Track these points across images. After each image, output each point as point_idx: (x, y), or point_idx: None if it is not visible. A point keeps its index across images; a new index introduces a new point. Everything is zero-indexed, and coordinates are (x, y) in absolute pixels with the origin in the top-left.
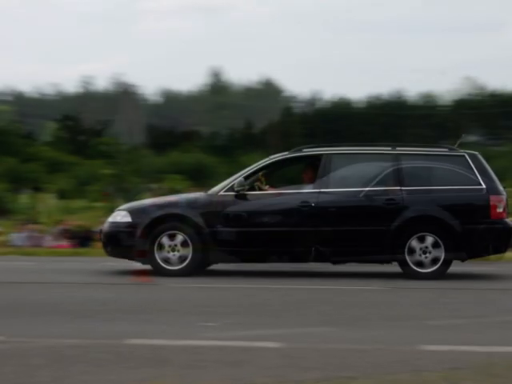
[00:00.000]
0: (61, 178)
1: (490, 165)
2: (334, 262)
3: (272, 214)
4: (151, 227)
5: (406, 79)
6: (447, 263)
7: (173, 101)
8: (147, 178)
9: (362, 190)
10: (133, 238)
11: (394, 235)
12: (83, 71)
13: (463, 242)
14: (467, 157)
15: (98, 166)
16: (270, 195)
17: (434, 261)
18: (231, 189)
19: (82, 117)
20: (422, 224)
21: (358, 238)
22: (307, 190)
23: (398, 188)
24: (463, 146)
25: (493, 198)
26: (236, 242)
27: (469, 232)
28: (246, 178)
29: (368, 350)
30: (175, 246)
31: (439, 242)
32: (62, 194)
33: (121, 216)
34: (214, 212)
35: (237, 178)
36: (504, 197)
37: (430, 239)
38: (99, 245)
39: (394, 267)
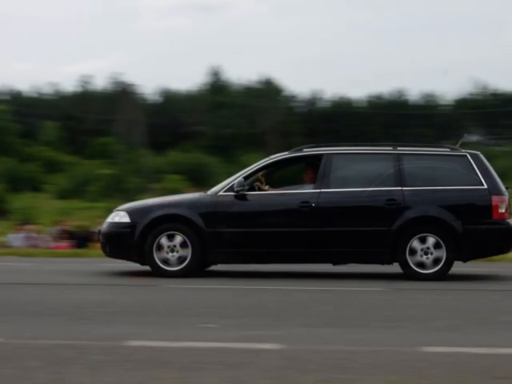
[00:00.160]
0: (59, 178)
1: (492, 165)
2: (335, 263)
3: (272, 215)
4: (150, 228)
5: (407, 78)
6: (449, 264)
7: (172, 100)
8: (146, 178)
9: (363, 190)
10: (131, 239)
11: (395, 236)
12: (81, 70)
13: (465, 242)
14: (469, 157)
15: (96, 166)
16: (270, 195)
17: (436, 261)
18: (231, 189)
19: (80, 116)
20: (424, 224)
21: (359, 238)
22: (307, 190)
23: (399, 188)
24: (465, 145)
25: (495, 199)
26: (235, 243)
27: (471, 232)
28: (246, 178)
29: (369, 352)
30: (174, 246)
31: (441, 242)
32: (61, 194)
33: (119, 216)
34: (213, 212)
35: (236, 178)
36: (506, 197)
37: (431, 240)
38: (98, 245)
39: (395, 268)
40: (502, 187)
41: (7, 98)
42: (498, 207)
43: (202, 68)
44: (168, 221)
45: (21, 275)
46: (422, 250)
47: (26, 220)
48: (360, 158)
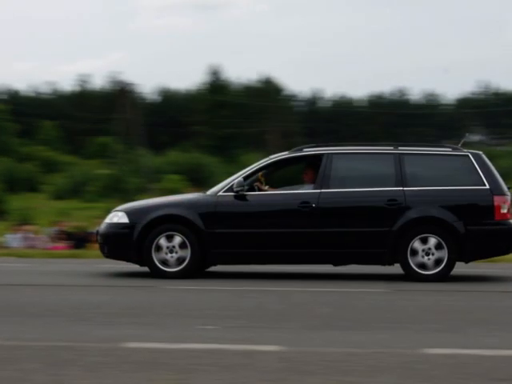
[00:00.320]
0: (57, 178)
1: (494, 164)
2: (335, 264)
3: (272, 215)
4: (149, 228)
5: (408, 78)
6: (450, 265)
7: (171, 99)
8: (145, 178)
9: (364, 191)
10: (130, 240)
11: (396, 236)
12: (80, 69)
13: (467, 243)
14: (471, 156)
15: (95, 166)
16: (269, 196)
17: (437, 262)
18: (230, 189)
19: (78, 116)
20: (425, 225)
21: (360, 239)
22: (308, 190)
23: (401, 188)
24: (467, 145)
25: (497, 199)
26: (235, 244)
27: (472, 233)
28: (246, 178)
29: (369, 354)
30: (173, 247)
31: (442, 243)
32: (59, 195)
33: (118, 217)
34: (212, 213)
35: (236, 178)
36: (508, 197)
37: (432, 240)
38: (96, 246)
39: (396, 269)
40: (504, 187)
41: (5, 97)
42: (500, 207)
43: (202, 67)
44: (167, 221)
45: (19, 276)
46: (423, 250)
47: (23, 220)
48: (361, 157)
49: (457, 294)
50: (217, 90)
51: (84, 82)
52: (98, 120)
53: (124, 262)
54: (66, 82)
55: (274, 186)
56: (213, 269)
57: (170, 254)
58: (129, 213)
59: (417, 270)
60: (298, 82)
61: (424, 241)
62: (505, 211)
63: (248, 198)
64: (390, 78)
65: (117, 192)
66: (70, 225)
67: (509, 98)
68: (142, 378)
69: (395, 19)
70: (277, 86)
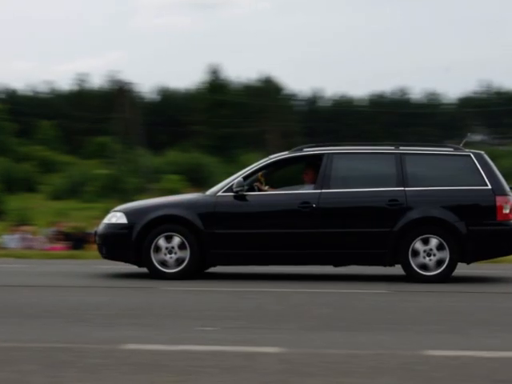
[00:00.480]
0: (55, 178)
1: (496, 164)
2: (336, 265)
3: (272, 216)
4: (148, 229)
5: (409, 77)
6: (452, 266)
7: (170, 99)
8: (144, 178)
9: (365, 191)
10: (129, 240)
11: (397, 237)
12: (78, 68)
13: (468, 244)
14: (473, 156)
15: (93, 166)
16: (269, 196)
17: (439, 263)
18: (230, 189)
19: (77, 115)
20: (426, 225)
21: (360, 239)
22: (308, 190)
23: (402, 189)
24: (468, 145)
25: (499, 199)
26: (235, 244)
27: (474, 234)
28: (245, 178)
29: (370, 355)
30: (172, 248)
31: (444, 244)
32: (57, 195)
33: (116, 217)
34: (212, 213)
35: (236, 179)
36: (510, 197)
37: (434, 241)
38: (94, 247)
39: (397, 270)
40: (507, 187)
41: (2, 96)
42: (502, 208)
43: (201, 66)
44: (166, 222)
45: (16, 277)
46: (424, 251)
47: (21, 221)
48: (361, 157)
49: (458, 295)
50: (216, 89)
51: (82, 81)
52: (97, 119)
53: (122, 263)
54: (65, 82)
55: (273, 186)
56: (212, 270)
57: (169, 255)
58: (127, 213)
59: (418, 270)
60: (298, 82)
61: (425, 241)
62: (507, 211)
63: (248, 198)
64: (390, 77)
65: (115, 192)
66: (68, 225)
67: (511, 98)
68: (141, 380)
69: (396, 18)
70: (277, 86)
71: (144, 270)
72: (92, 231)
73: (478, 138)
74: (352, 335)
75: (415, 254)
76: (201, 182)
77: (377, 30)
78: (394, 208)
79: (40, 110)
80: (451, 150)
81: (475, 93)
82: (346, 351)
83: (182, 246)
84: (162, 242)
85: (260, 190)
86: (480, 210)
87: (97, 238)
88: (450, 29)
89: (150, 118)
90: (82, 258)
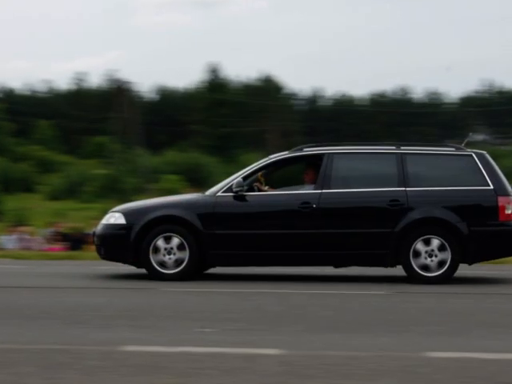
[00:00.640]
0: (53, 179)
1: (498, 164)
2: (336, 266)
3: (272, 216)
4: (146, 229)
5: (410, 76)
6: (454, 267)
7: (169, 98)
8: (143, 179)
9: (365, 191)
10: (127, 241)
11: (398, 237)
12: (76, 67)
13: (470, 244)
14: (474, 156)
15: (91, 166)
16: (269, 196)
17: (440, 264)
18: (229, 189)
19: (75, 115)
20: (428, 226)
21: (361, 240)
22: (308, 190)
23: (403, 189)
24: (470, 144)
25: (501, 199)
26: (234, 245)
27: (476, 234)
28: (245, 178)
29: (370, 357)
30: (171, 248)
31: (445, 244)
32: (55, 195)
33: (115, 218)
34: (211, 213)
35: (235, 179)
36: None
37: (435, 242)
38: (92, 248)
39: (399, 271)
40: (509, 187)
41: (0, 95)
42: (504, 208)
43: (200, 65)
44: (165, 222)
45: (14, 278)
46: (426, 252)
47: (18, 221)
48: (362, 157)
49: (460, 296)
50: (216, 88)
51: (81, 80)
52: (95, 119)
53: (121, 264)
54: (63, 81)
55: (273, 187)
56: (211, 271)
57: (167, 256)
58: (126, 214)
59: (419, 271)
60: (299, 81)
61: (427, 242)
62: (509, 212)
63: (247, 198)
64: (391, 76)
65: (114, 192)
66: (66, 226)
67: None
68: (140, 382)
69: (397, 17)
70: (277, 85)
71: (143, 270)
72: (90, 232)
73: (479, 137)
74: (352, 337)
75: (416, 254)
76: (200, 182)
77: (378, 28)
78: (395, 208)
79: (38, 109)
80: (453, 149)
81: (477, 92)
82: (346, 353)
83: (181, 247)
84: (160, 242)
85: (260, 191)
86: (482, 211)
87: (95, 239)
88: (452, 27)
89: (149, 117)
90: (80, 258)
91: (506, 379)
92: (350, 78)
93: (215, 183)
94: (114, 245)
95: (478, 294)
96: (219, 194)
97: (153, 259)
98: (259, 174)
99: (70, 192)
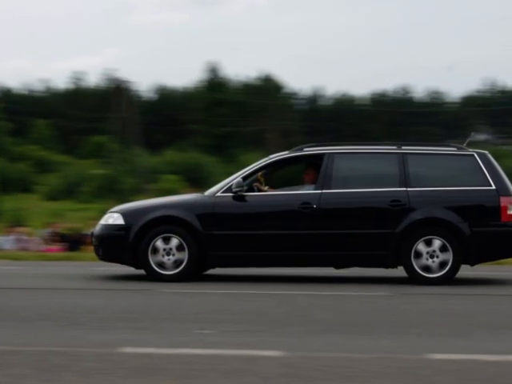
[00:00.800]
0: (51, 179)
1: (500, 164)
2: (337, 267)
3: (272, 216)
4: (145, 230)
5: (411, 75)
6: (455, 268)
7: (168, 97)
8: (142, 179)
9: (366, 191)
10: (126, 242)
11: (399, 238)
12: (74, 66)
13: (472, 245)
14: (476, 156)
15: (89, 166)
16: (269, 196)
17: (442, 265)
18: (229, 190)
19: (72, 114)
20: (429, 226)
21: (362, 241)
22: (308, 191)
23: (404, 189)
24: (472, 144)
25: (503, 200)
26: (234, 246)
27: (478, 235)
28: (245, 178)
29: (371, 359)
30: (170, 249)
31: (447, 245)
32: (52, 195)
33: (113, 218)
34: (211, 214)
35: (235, 179)
36: None
37: (437, 242)
38: (91, 248)
39: (400, 272)
40: (511, 188)
41: None
42: (506, 208)
43: (200, 64)
44: (164, 223)
45: (11, 279)
46: (427, 253)
47: (16, 222)
48: (363, 157)
49: (462, 297)
50: (215, 87)
51: (78, 79)
52: (93, 119)
53: (119, 265)
54: (60, 80)
55: (273, 187)
56: (211, 272)
57: (166, 257)
58: (124, 214)
59: (421, 272)
60: (299, 80)
61: (428, 243)
62: (511, 212)
63: (247, 198)
64: (392, 75)
65: (112, 193)
66: (64, 226)
67: None
68: None
69: (398, 16)
70: (277, 84)
71: (141, 271)
72: (88, 232)
73: (481, 137)
74: (353, 338)
75: (418, 255)
76: (199, 182)
77: (378, 27)
78: (397, 209)
79: (35, 108)
80: (454, 149)
81: (479, 91)
82: (347, 355)
83: (180, 248)
84: (159, 243)
85: (260, 191)
86: (484, 211)
87: (93, 240)
88: (453, 26)
89: (148, 116)
90: (78, 259)
91: (508, 381)
92: (351, 78)
93: (214, 183)
94: (112, 245)
95: (479, 295)
96: (219, 194)
97: (152, 260)
98: (259, 174)
99: (68, 192)
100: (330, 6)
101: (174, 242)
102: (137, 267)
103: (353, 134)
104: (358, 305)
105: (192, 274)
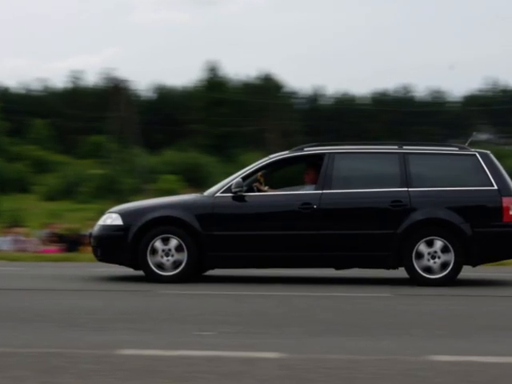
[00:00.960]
0: (49, 179)
1: (502, 164)
2: (337, 268)
3: (272, 217)
4: (144, 230)
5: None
6: (457, 269)
7: (167, 97)
8: (140, 179)
9: (367, 192)
10: (124, 242)
11: (400, 239)
12: (72, 65)
13: (474, 246)
14: (478, 156)
15: (88, 166)
16: (269, 197)
17: (443, 266)
18: (229, 190)
19: (71, 114)
20: (431, 227)
21: (363, 241)
22: (309, 191)
23: (405, 189)
24: (474, 144)
25: (505, 200)
26: (233, 247)
27: (480, 235)
28: (245, 178)
29: (371, 361)
30: (169, 250)
31: (449, 246)
32: (50, 196)
33: (112, 219)
34: (210, 214)
35: (234, 179)
36: None
37: (438, 243)
38: (89, 249)
39: (401, 273)
40: None
41: None
42: (508, 209)
43: (199, 63)
44: (163, 223)
45: (8, 280)
46: (428, 253)
47: (13, 222)
48: (364, 157)
49: (463, 298)
50: (214, 87)
51: (77, 78)
52: (91, 118)
53: (118, 266)
54: (58, 79)
55: (273, 187)
56: (210, 273)
57: (165, 258)
58: (123, 214)
59: (422, 273)
60: (299, 79)
61: (430, 243)
62: None
63: (247, 199)
64: (393, 75)
65: (111, 193)
66: (62, 227)
67: None
68: None
69: (399, 15)
70: (277, 83)
71: (140, 272)
72: (87, 233)
73: (483, 137)
74: (354, 340)
75: (419, 256)
76: (199, 182)
77: (379, 26)
78: (398, 209)
79: (33, 108)
80: (456, 149)
81: (480, 91)
82: (347, 356)
83: (179, 249)
84: (158, 244)
85: (259, 191)
86: (486, 211)
87: (91, 240)
88: (455, 25)
89: (147, 116)
90: (77, 260)
91: (509, 383)
92: (351, 77)
93: (214, 183)
94: (110, 246)
95: (481, 297)
96: (218, 194)
97: (150, 261)
98: (259, 174)
99: (66, 192)
100: (330, 5)
101: (173, 242)
102: (135, 268)
103: (353, 133)
104: (358, 306)
105: (191, 274)
